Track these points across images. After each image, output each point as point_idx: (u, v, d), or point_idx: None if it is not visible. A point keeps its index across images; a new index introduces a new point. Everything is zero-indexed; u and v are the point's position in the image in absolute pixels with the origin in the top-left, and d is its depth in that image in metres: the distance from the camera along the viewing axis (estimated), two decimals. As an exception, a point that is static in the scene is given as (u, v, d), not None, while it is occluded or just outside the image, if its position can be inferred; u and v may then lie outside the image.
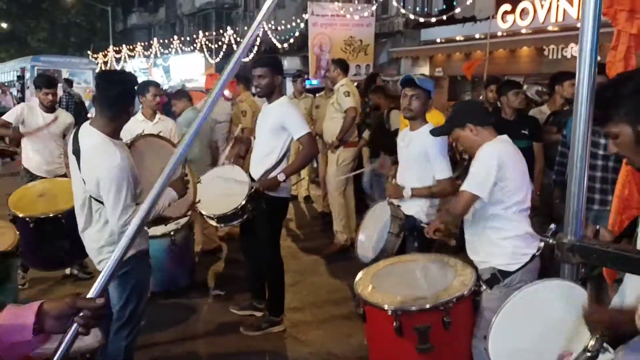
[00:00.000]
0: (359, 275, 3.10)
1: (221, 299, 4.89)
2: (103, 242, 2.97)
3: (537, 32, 15.29)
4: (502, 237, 2.86)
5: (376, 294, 2.87)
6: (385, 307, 2.72)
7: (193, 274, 5.14)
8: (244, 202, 3.85)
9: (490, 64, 13.90)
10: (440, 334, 2.69)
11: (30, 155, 5.22)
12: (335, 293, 5.04)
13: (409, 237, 3.57)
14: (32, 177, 5.14)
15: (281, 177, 3.95)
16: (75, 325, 1.32)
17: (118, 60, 34.69)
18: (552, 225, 2.12)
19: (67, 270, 5.20)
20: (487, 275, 2.87)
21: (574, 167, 2.09)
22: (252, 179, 4.03)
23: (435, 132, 3.32)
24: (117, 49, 34.47)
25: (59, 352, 1.31)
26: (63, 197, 4.45)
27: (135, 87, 3.13)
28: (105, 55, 35.48)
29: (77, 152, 2.93)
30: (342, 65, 6.39)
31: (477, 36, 16.84)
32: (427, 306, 2.69)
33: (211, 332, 4.27)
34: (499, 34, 16.01)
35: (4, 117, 5.18)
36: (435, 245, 3.50)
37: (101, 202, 2.88)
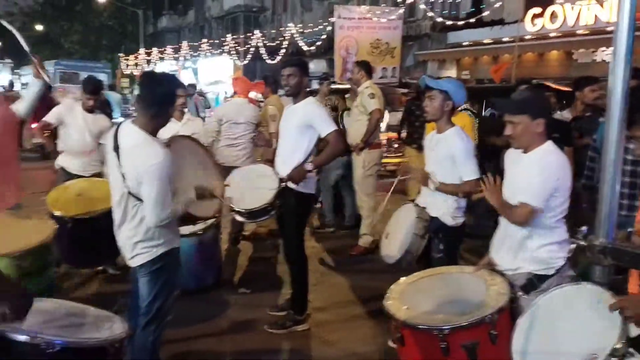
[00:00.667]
0: (387, 297, 2.95)
1: (247, 297, 4.96)
2: (139, 238, 3.04)
3: (567, 36, 15.13)
4: (541, 244, 2.79)
5: (415, 315, 2.73)
6: (429, 327, 2.61)
7: (220, 272, 5.23)
8: (273, 198, 3.95)
9: (518, 68, 13.81)
10: (488, 349, 2.57)
11: (66, 155, 5.37)
12: (359, 294, 5.08)
13: (434, 239, 3.60)
14: (69, 176, 5.29)
15: (308, 167, 4.07)
16: None
17: (148, 62, 35.26)
18: (584, 228, 2.12)
19: (100, 267, 5.34)
20: (522, 281, 2.81)
21: (607, 170, 2.09)
22: (281, 178, 4.12)
23: (501, 107, 3.20)
24: (148, 51, 35.05)
25: None
26: (100, 198, 4.60)
27: (176, 90, 3.22)
28: (136, 58, 36.10)
29: (116, 149, 3.02)
30: (366, 68, 6.41)
31: (505, 39, 16.72)
32: (473, 321, 2.56)
33: (237, 329, 4.34)
34: (528, 37, 15.88)
35: (46, 118, 5.35)
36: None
37: (139, 199, 2.97)
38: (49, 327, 2.33)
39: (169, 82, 3.16)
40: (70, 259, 4.69)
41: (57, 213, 4.33)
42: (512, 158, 2.96)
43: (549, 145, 2.80)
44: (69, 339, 2.29)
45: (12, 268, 3.38)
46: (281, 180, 4.04)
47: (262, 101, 7.00)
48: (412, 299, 2.90)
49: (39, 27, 40.72)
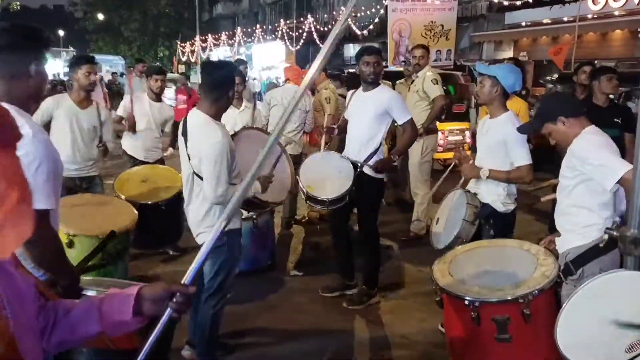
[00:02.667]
0: (437, 262, 3.10)
1: (299, 279, 5.13)
2: (201, 217, 3.28)
3: (632, 14, 14.43)
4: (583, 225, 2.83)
5: (454, 282, 2.87)
6: (463, 296, 2.72)
7: (274, 255, 5.40)
8: (351, 186, 4.16)
9: (579, 48, 13.33)
10: (520, 326, 2.64)
11: (131, 141, 5.63)
12: (409, 278, 5.15)
13: (485, 226, 3.62)
14: (135, 162, 5.57)
15: (394, 158, 4.42)
16: (169, 309, 1.46)
17: (204, 49, 35.96)
18: (617, 219, 2.13)
19: (161, 249, 5.61)
20: (562, 265, 2.84)
21: (639, 161, 2.08)
22: (353, 164, 4.30)
23: (525, 130, 3.29)
24: (203, 38, 35.72)
25: (154, 334, 1.45)
26: (164, 184, 4.89)
27: (234, 75, 3.44)
28: (192, 45, 36.88)
29: (185, 134, 3.29)
30: (428, 51, 6.41)
31: (565, 19, 16.12)
32: (506, 298, 2.64)
33: (290, 309, 4.50)
34: (589, 16, 15.26)
35: (117, 112, 5.67)
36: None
37: (202, 178, 3.18)
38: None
39: (228, 68, 3.41)
40: (135, 241, 4.95)
41: (123, 197, 4.60)
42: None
43: (584, 131, 2.79)
44: None
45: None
46: (355, 166, 4.26)
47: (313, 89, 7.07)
48: (459, 266, 3.02)
49: (100, 16, 42.12)
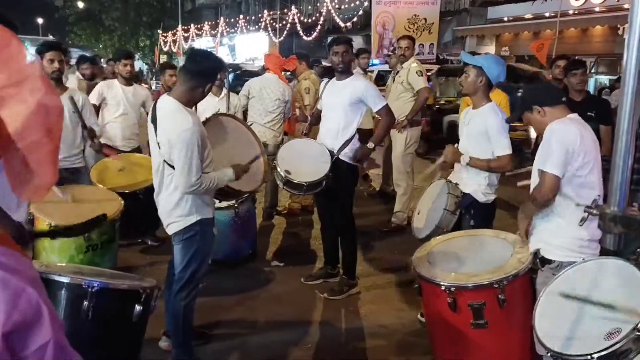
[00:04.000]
0: (417, 251, 3.18)
1: (280, 269, 5.10)
2: (172, 206, 3.19)
3: (612, 10, 14.59)
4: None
5: (432, 269, 2.97)
6: (439, 282, 2.82)
7: (255, 245, 5.36)
8: (329, 171, 4.17)
9: (560, 44, 13.43)
10: (496, 311, 2.72)
11: (108, 129, 5.54)
12: (390, 269, 5.15)
13: (465, 215, 3.64)
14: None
15: (371, 146, 4.38)
16: None
17: (186, 39, 35.60)
18: (597, 196, 2.16)
19: (140, 239, 5.54)
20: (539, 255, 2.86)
21: (619, 140, 2.12)
22: (330, 151, 4.31)
23: (509, 120, 3.42)
24: (186, 28, 35.34)
25: None
26: (141, 173, 4.80)
27: (218, 69, 3.31)
28: (174, 35, 36.47)
29: (154, 120, 3.17)
30: (414, 42, 6.39)
31: (547, 14, 16.24)
32: (481, 283, 2.72)
33: (269, 300, 4.48)
34: (570, 12, 15.40)
35: (90, 98, 5.51)
36: None
37: (173, 167, 3.10)
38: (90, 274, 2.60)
39: (215, 60, 3.28)
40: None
41: (101, 187, 4.52)
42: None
43: (555, 123, 2.76)
44: (107, 281, 2.58)
45: (80, 240, 3.60)
46: (332, 153, 4.27)
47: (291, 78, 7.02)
48: (438, 256, 3.11)
49: (80, 4, 41.38)
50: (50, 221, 3.57)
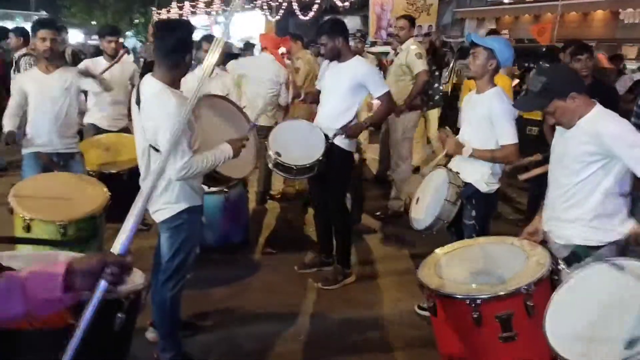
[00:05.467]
0: (420, 269, 2.88)
1: (273, 257, 4.95)
2: (159, 193, 3.00)
3: (615, -6, 14.35)
4: (594, 215, 2.66)
5: (447, 284, 2.68)
6: (462, 297, 2.53)
7: (247, 231, 5.19)
8: (322, 155, 4.00)
9: (561, 28, 13.20)
10: (524, 321, 2.49)
11: (95, 110, 5.34)
12: (385, 258, 5.01)
13: (467, 206, 3.48)
14: (98, 130, 5.27)
15: (365, 124, 4.28)
16: (103, 282, 1.34)
17: (180, 16, 35.02)
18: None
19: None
20: (565, 253, 2.68)
21: None
22: (325, 135, 4.13)
23: (526, 106, 3.13)
24: (180, 5, 34.76)
25: (89, 309, 1.32)
26: (127, 153, 4.60)
27: (191, 36, 3.10)
28: (168, 12, 35.88)
29: (138, 102, 2.99)
30: (412, 23, 6.12)
31: (548, -3, 15.96)
32: (509, 291, 2.47)
33: (260, 289, 4.33)
34: (573, -5, 15.11)
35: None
36: None
37: (158, 151, 2.93)
38: None
39: (184, 29, 3.04)
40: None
41: (88, 178, 4.33)
42: (558, 132, 2.79)
43: (598, 109, 2.61)
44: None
45: (55, 235, 3.43)
46: (327, 137, 4.10)
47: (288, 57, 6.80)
48: (446, 268, 2.84)
49: (73, -21, 40.61)
50: (26, 215, 3.40)
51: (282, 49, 6.24)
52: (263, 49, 6.41)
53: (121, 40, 5.47)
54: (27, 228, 3.45)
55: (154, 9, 36.92)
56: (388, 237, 5.50)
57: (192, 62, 3.24)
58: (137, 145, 3.09)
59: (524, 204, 6.01)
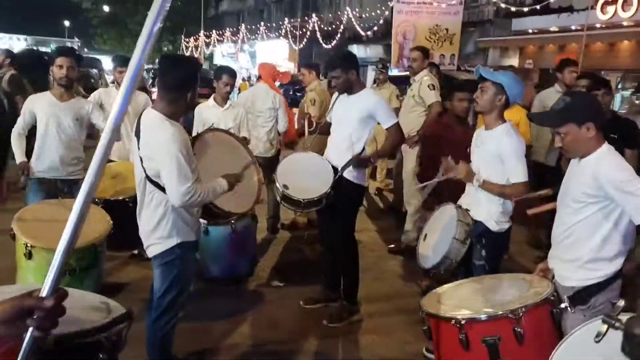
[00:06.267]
0: (425, 297, 2.90)
1: (280, 290, 4.81)
2: (152, 227, 2.96)
3: (641, 25, 14.12)
4: (592, 258, 2.63)
5: (442, 307, 2.72)
6: (449, 316, 2.56)
7: (254, 263, 5.08)
8: (330, 188, 3.92)
9: (586, 58, 12.97)
10: (513, 348, 2.43)
11: None
12: (395, 293, 4.84)
13: (476, 245, 3.31)
14: (109, 161, 5.26)
15: (373, 158, 4.21)
16: (30, 329, 1.20)
17: (208, 44, 35.72)
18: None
19: (135, 250, 5.31)
20: (570, 292, 2.61)
21: None
22: (333, 168, 4.07)
23: (542, 120, 3.06)
24: (207, 33, 35.47)
25: (20, 357, 1.19)
26: (134, 181, 4.54)
27: (196, 73, 3.04)
28: (196, 40, 36.62)
29: (137, 133, 2.95)
30: (426, 54, 6.06)
31: (573, 27, 15.81)
32: (495, 314, 2.46)
33: (263, 324, 4.18)
34: (598, 25, 14.94)
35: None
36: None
37: (155, 184, 2.88)
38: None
39: (188, 66, 3.02)
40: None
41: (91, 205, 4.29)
42: (572, 165, 2.71)
43: (604, 150, 2.54)
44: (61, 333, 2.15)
45: None
46: (336, 170, 4.03)
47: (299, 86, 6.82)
48: (449, 296, 2.84)
49: (106, 8, 41.87)
50: (28, 242, 3.35)
51: (277, 83, 6.31)
52: (258, 78, 6.46)
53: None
54: (29, 255, 3.41)
55: (182, 37, 37.76)
56: (399, 271, 5.32)
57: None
58: (135, 175, 3.04)
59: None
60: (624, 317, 1.67)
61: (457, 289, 2.95)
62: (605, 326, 1.75)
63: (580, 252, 2.58)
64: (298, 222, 6.43)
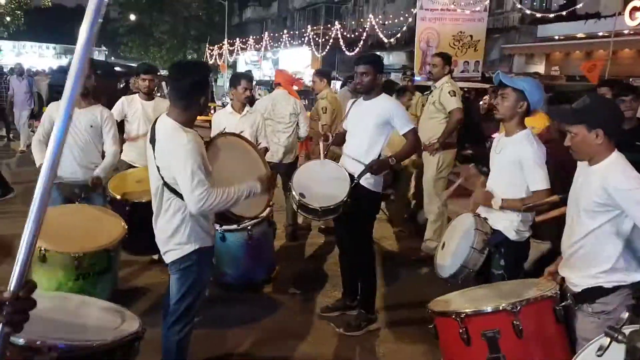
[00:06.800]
0: (435, 299, 2.93)
1: (296, 298, 4.77)
2: (170, 233, 2.94)
3: (672, 30, 13.80)
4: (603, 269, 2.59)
5: (446, 305, 2.79)
6: (449, 311, 2.64)
7: (271, 269, 5.04)
8: (347, 196, 3.87)
9: (614, 65, 12.75)
10: (513, 343, 2.46)
11: (129, 148, 5.36)
12: (414, 304, 4.70)
13: (495, 254, 3.23)
14: (130, 167, 5.29)
15: (392, 161, 4.06)
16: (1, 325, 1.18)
17: (231, 52, 36.05)
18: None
19: (155, 256, 5.32)
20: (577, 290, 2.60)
21: None
22: (350, 175, 4.01)
23: (556, 116, 3.08)
24: (231, 41, 35.79)
25: None
26: None
27: (207, 79, 3.04)
28: (220, 48, 36.97)
29: (152, 141, 2.95)
30: (447, 60, 5.94)
31: (600, 34, 15.53)
32: (491, 308, 2.54)
33: (279, 332, 4.14)
34: (625, 32, 14.64)
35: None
36: None
37: (173, 191, 2.87)
38: (52, 328, 2.19)
39: (199, 71, 3.00)
40: (128, 245, 4.67)
41: (116, 196, 4.35)
42: (581, 168, 2.67)
43: (612, 158, 2.48)
44: (73, 343, 2.14)
45: (70, 267, 3.39)
46: (352, 178, 3.98)
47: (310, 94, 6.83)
48: (457, 298, 2.91)
49: (132, 17, 42.52)
50: (42, 245, 3.37)
51: (295, 87, 6.31)
52: (276, 84, 6.44)
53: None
54: (43, 258, 3.43)
55: (207, 45, 38.17)
56: (419, 280, 5.23)
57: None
58: (151, 183, 3.04)
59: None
60: (627, 330, 1.60)
61: (466, 293, 2.99)
62: (609, 339, 1.67)
63: (593, 264, 2.52)
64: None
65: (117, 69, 16.18)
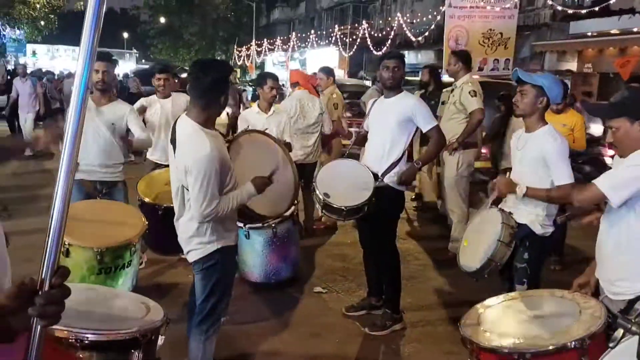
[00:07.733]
0: (462, 323, 2.59)
1: (321, 297, 4.74)
2: (192, 233, 2.94)
3: None
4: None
5: (492, 337, 2.40)
6: (508, 351, 2.24)
7: (296, 267, 5.02)
8: (372, 195, 3.84)
9: (649, 61, 12.37)
10: None
11: (153, 148, 5.40)
12: (440, 304, 4.68)
13: (520, 248, 3.21)
14: (157, 166, 5.33)
15: (417, 165, 4.09)
16: (36, 320, 1.08)
17: (259, 53, 36.28)
18: None
19: (182, 254, 5.35)
20: (622, 305, 2.43)
21: None
22: (373, 174, 3.97)
23: (595, 111, 2.99)
24: (259, 42, 36.01)
25: (32, 355, 1.09)
26: None
27: (227, 77, 3.03)
28: (247, 49, 37.24)
29: (173, 142, 2.96)
30: (464, 59, 5.78)
31: (635, 30, 15.10)
32: (560, 345, 2.17)
33: (304, 331, 4.12)
34: (662, 26, 14.20)
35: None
36: None
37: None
38: (80, 317, 2.22)
39: (219, 69, 2.96)
40: (157, 245, 4.68)
41: (147, 200, 4.37)
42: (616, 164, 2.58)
43: None
44: (99, 332, 2.19)
45: (92, 262, 3.44)
46: (376, 177, 3.94)
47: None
48: (491, 322, 2.56)
49: (162, 19, 43.13)
50: (66, 240, 3.41)
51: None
52: (294, 84, 6.42)
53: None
54: (67, 253, 3.47)
55: (235, 46, 38.50)
56: (445, 280, 5.16)
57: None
58: (172, 183, 3.05)
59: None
60: None
61: (497, 310, 2.69)
62: (622, 331, 1.59)
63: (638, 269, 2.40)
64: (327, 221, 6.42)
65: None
